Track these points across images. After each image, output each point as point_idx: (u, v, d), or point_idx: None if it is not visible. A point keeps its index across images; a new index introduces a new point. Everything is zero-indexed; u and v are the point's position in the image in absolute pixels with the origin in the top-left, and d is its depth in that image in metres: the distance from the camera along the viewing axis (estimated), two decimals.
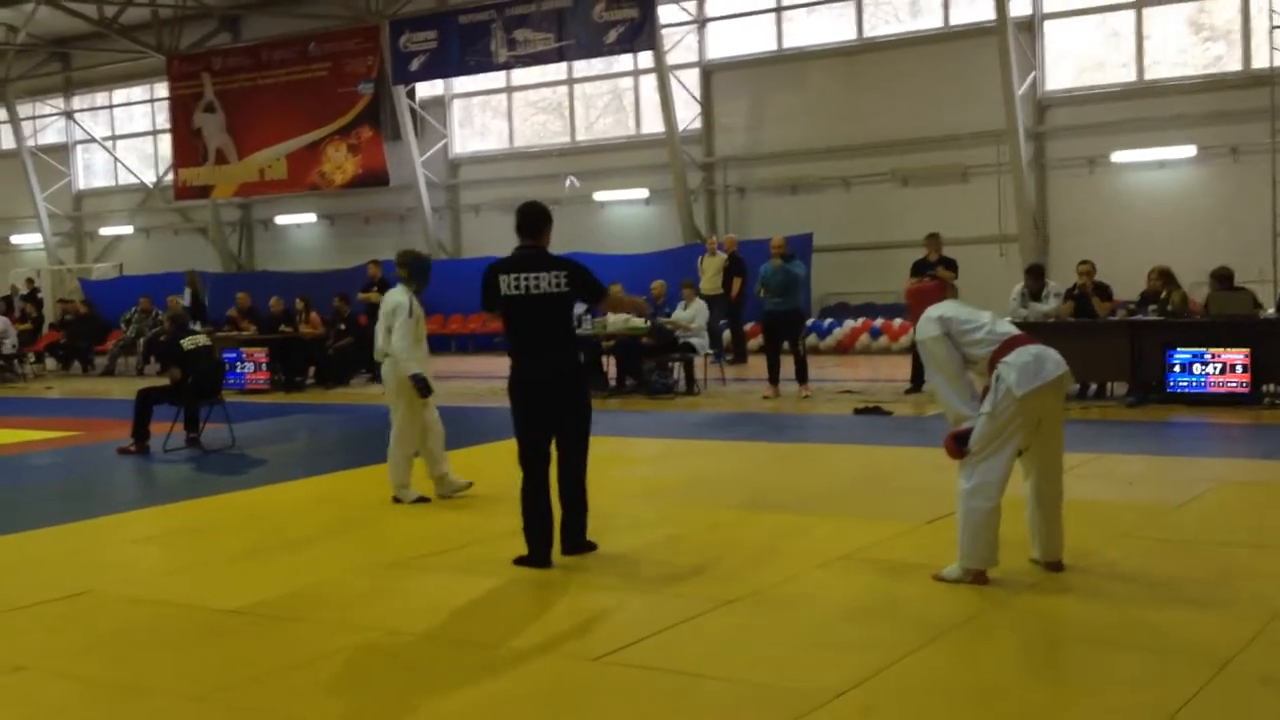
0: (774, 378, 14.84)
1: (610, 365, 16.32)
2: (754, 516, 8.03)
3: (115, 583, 6.86)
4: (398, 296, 8.78)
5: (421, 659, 5.37)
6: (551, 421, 6.89)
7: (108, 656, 5.59)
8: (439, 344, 24.81)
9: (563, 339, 6.97)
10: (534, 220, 6.97)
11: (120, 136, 32.50)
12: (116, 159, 32.39)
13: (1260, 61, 19.13)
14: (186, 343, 12.42)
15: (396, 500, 8.84)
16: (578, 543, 7.00)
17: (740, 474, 9.92)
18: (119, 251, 32.17)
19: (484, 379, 17.59)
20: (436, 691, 4.93)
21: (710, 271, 19.18)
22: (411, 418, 8.83)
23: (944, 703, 4.68)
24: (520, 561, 6.82)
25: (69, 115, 33.03)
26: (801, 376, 14.72)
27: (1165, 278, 13.59)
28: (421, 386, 8.70)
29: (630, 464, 10.38)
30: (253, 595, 6.42)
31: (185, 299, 24.12)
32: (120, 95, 32.41)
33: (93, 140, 32.79)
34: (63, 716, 4.89)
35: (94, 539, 8.23)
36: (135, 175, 31.77)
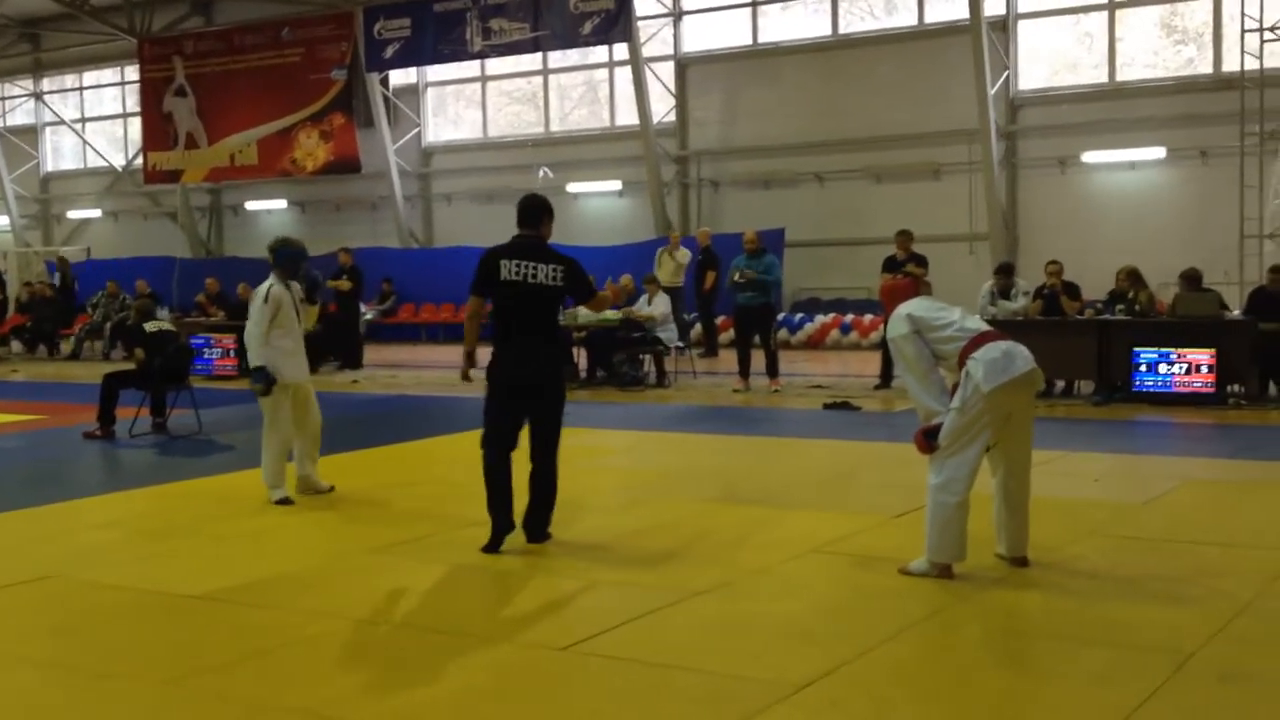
0: (744, 371, 14.86)
1: (581, 357, 16.31)
2: (723, 509, 8.05)
3: (80, 567, 6.81)
4: (262, 284, 8.63)
5: (389, 647, 5.36)
6: (525, 414, 6.91)
7: (73, 641, 5.55)
8: (410, 333, 24.87)
9: (549, 331, 7.03)
10: (535, 211, 7.05)
11: (90, 119, 32.22)
12: (85, 141, 32.11)
13: (1231, 65, 19.30)
14: (149, 326, 12.62)
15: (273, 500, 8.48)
16: (540, 533, 7.02)
17: (710, 467, 9.93)
18: (87, 235, 31.90)
19: (457, 368, 17.49)
20: (403, 680, 4.92)
21: (668, 269, 18.94)
22: (275, 410, 8.52)
23: (909, 695, 4.71)
24: (487, 549, 6.82)
25: (38, 97, 32.72)
26: (772, 371, 14.76)
27: (1133, 278, 13.70)
28: (256, 380, 8.39)
29: (600, 455, 10.38)
30: (219, 581, 6.38)
31: (54, 280, 24.16)
32: (90, 77, 32.13)
33: (62, 122, 32.49)
34: (27, 701, 4.85)
35: (59, 524, 8.17)
36: (104, 158, 31.51)
